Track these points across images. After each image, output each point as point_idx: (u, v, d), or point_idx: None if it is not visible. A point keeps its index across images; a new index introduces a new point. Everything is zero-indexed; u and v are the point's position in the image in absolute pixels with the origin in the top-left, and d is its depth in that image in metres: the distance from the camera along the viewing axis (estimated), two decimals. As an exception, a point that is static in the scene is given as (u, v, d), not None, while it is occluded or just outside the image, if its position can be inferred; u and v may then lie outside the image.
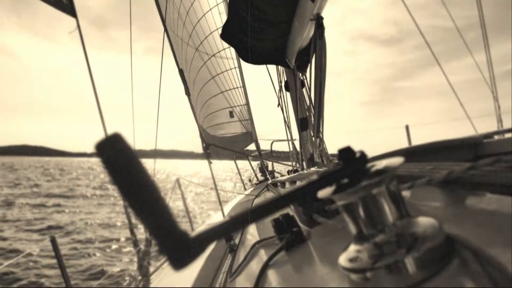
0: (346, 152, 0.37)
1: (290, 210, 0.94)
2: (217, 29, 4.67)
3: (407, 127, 3.80)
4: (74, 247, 8.24)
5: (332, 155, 2.51)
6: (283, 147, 4.69)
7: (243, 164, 5.61)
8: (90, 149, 0.30)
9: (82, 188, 23.49)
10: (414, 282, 0.33)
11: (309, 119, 2.58)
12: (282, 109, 3.19)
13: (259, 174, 5.50)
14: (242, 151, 5.40)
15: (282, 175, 4.32)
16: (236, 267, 0.96)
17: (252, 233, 1.19)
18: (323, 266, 0.55)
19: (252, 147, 5.44)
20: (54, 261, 3.67)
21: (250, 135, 5.35)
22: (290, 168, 3.92)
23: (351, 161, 0.37)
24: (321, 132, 2.34)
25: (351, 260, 0.38)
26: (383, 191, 0.37)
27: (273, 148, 5.36)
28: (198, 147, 4.23)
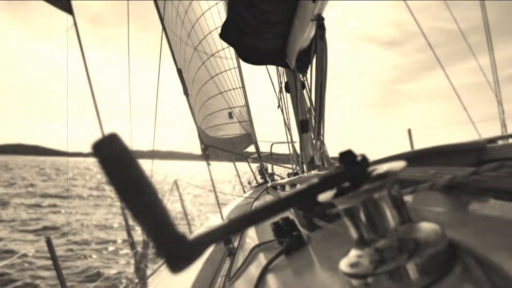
0: (347, 156, 0.37)
1: (290, 214, 0.93)
2: (216, 28, 4.66)
3: (409, 131, 3.79)
4: (70, 248, 8.20)
5: (333, 158, 2.50)
6: (283, 149, 4.69)
7: (242, 166, 5.59)
8: (87, 149, 0.29)
9: (79, 188, 23.39)
10: None
11: (309, 121, 2.57)
12: (282, 111, 3.19)
13: (258, 177, 5.48)
14: (242, 153, 5.38)
15: (282, 178, 4.31)
16: (235, 271, 0.95)
17: (251, 236, 1.18)
18: (323, 271, 0.55)
19: (251, 149, 5.42)
20: (49, 262, 3.65)
21: (249, 137, 5.34)
22: (290, 171, 3.91)
23: (352, 164, 0.37)
24: (322, 134, 2.33)
25: (352, 265, 0.37)
26: (384, 195, 0.36)
27: (273, 150, 5.35)
28: (196, 149, 4.22)
